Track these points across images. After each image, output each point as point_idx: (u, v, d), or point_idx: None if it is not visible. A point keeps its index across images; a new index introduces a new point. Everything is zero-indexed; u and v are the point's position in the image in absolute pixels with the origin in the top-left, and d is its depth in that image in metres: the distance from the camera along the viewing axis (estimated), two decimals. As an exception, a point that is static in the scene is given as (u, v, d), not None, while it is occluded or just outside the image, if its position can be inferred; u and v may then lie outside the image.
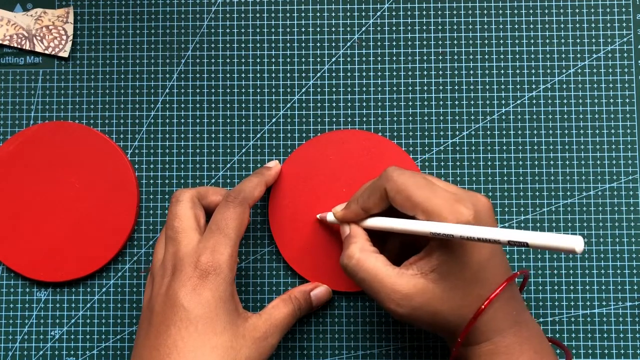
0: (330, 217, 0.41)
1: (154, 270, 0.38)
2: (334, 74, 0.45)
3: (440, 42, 0.45)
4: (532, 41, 0.45)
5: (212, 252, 0.36)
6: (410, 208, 0.34)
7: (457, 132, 0.45)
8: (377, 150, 0.44)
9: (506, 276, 0.35)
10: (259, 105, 0.45)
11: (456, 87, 0.45)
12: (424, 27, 0.45)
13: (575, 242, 0.27)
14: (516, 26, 0.45)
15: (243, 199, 0.38)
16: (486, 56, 0.45)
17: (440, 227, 0.32)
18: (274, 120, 0.45)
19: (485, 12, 0.45)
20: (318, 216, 0.43)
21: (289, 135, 0.45)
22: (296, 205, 0.43)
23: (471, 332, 0.34)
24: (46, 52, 0.45)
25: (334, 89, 0.45)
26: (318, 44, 0.45)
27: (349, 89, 0.45)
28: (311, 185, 0.43)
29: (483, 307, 0.34)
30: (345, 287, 0.43)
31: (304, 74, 0.45)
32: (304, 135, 0.45)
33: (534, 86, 0.45)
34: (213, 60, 0.45)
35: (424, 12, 0.45)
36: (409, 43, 0.45)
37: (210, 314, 0.35)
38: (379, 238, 0.38)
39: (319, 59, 0.45)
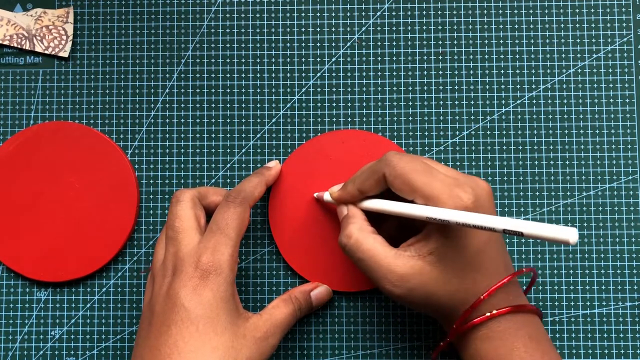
0: (327, 196, 0.41)
1: (155, 271, 0.38)
2: (334, 74, 0.45)
3: (440, 42, 0.45)
4: (532, 41, 0.45)
5: (213, 252, 0.36)
6: (409, 192, 0.34)
7: (457, 132, 0.45)
8: (376, 150, 0.43)
9: (505, 263, 0.35)
10: (259, 105, 0.45)
11: (456, 87, 0.45)
12: (424, 27, 0.45)
13: (569, 234, 0.27)
14: (516, 26, 0.45)
15: (243, 199, 0.38)
16: (486, 56, 0.45)
17: (436, 212, 0.32)
18: (274, 120, 0.45)
19: (485, 12, 0.45)
20: (315, 195, 0.43)
21: (289, 135, 0.45)
22: (296, 205, 0.43)
23: (467, 317, 0.35)
24: (46, 52, 0.45)
25: (334, 89, 0.45)
26: (318, 44, 0.45)
27: (349, 89, 0.45)
28: (311, 185, 0.43)
29: (482, 297, 0.34)
30: (345, 287, 0.43)
31: (304, 74, 0.45)
32: (304, 135, 0.45)
33: (534, 86, 0.45)
34: (213, 60, 0.45)
35: (424, 12, 0.45)
36: (409, 43, 0.45)
37: (211, 314, 0.35)
38: (376, 219, 0.39)
39: (319, 59, 0.45)
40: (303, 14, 0.46)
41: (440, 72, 0.45)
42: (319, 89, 0.45)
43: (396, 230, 0.40)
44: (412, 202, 0.35)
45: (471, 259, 0.34)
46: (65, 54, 0.45)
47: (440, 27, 0.45)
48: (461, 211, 0.32)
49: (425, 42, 0.45)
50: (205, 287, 0.35)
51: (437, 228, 0.34)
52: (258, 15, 0.46)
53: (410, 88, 0.45)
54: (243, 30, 0.46)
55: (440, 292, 0.34)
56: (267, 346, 0.37)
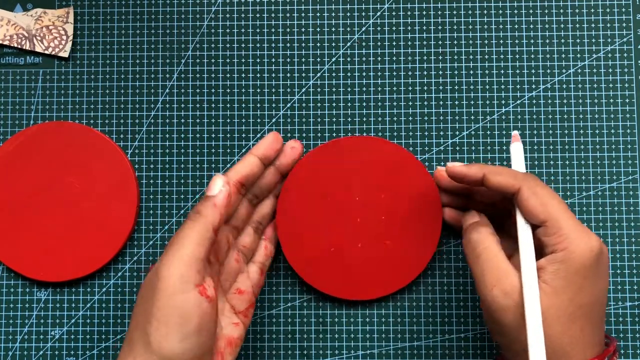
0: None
1: None
2: (334, 74, 0.45)
3: (440, 42, 0.45)
4: (532, 41, 0.45)
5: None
6: (541, 213, 0.34)
7: (457, 132, 0.45)
8: (394, 161, 0.42)
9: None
10: (259, 105, 0.45)
11: (456, 87, 0.45)
12: (424, 27, 0.45)
13: None
14: (516, 26, 0.45)
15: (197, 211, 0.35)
16: (486, 56, 0.45)
17: None
18: (274, 120, 0.45)
19: (485, 12, 0.45)
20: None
21: (289, 135, 0.45)
22: (305, 208, 0.42)
23: None
24: (46, 52, 0.45)
25: (334, 89, 0.45)
26: (318, 44, 0.45)
27: (349, 89, 0.45)
28: (324, 189, 0.42)
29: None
30: (348, 295, 0.42)
31: (304, 74, 0.45)
32: (304, 135, 0.45)
33: (534, 86, 0.45)
34: (213, 60, 0.45)
35: (424, 12, 0.45)
36: (409, 43, 0.45)
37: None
38: None
39: (319, 59, 0.45)
40: (303, 14, 0.46)
41: (440, 72, 0.45)
42: (319, 89, 0.45)
43: None
44: (534, 228, 0.35)
45: (588, 303, 0.34)
46: (65, 54, 0.45)
47: (440, 27, 0.45)
48: None
49: (425, 42, 0.45)
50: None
51: (558, 258, 0.34)
52: (258, 15, 0.46)
53: (410, 88, 0.45)
54: (243, 30, 0.46)
55: (545, 325, 0.33)
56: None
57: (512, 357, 0.36)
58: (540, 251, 0.35)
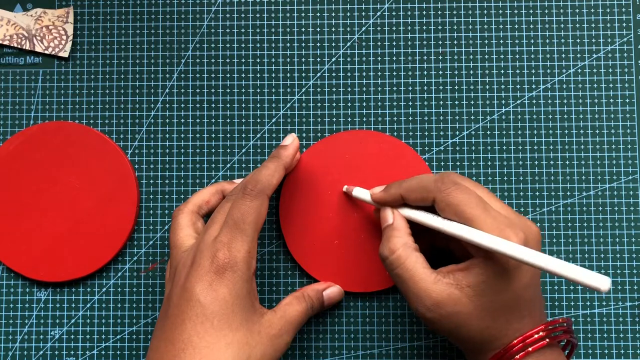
0: (363, 194, 0.40)
1: (176, 259, 0.38)
2: (334, 74, 0.45)
3: (440, 42, 0.45)
4: (532, 41, 0.45)
5: (229, 249, 0.35)
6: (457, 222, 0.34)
7: (457, 132, 0.45)
8: (393, 154, 0.43)
9: (540, 307, 0.36)
10: (259, 105, 0.45)
11: (456, 87, 0.45)
12: (424, 27, 0.45)
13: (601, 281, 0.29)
14: (516, 26, 0.45)
15: (260, 191, 0.37)
16: (486, 56, 0.45)
17: (496, 242, 0.32)
18: (274, 120, 0.45)
19: (485, 12, 0.45)
20: (345, 189, 0.42)
21: (289, 135, 0.45)
22: (308, 201, 0.43)
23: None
24: (46, 52, 0.45)
25: (334, 89, 0.45)
26: (318, 44, 0.45)
27: (349, 89, 0.45)
28: (325, 182, 0.43)
29: (516, 342, 0.34)
30: (354, 288, 0.43)
31: (304, 74, 0.45)
32: (304, 135, 0.45)
33: (534, 86, 0.45)
34: (213, 60, 0.45)
35: (424, 12, 0.45)
36: (409, 43, 0.45)
37: (226, 310, 0.35)
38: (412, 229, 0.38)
39: (319, 59, 0.45)
40: (303, 14, 0.46)
41: (440, 72, 0.45)
42: (319, 89, 0.45)
43: (428, 248, 0.40)
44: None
45: (509, 300, 0.34)
46: (65, 54, 0.45)
47: (440, 27, 0.45)
48: (519, 245, 0.32)
49: (425, 42, 0.45)
50: (221, 284, 0.35)
51: (481, 262, 0.34)
52: (258, 15, 0.46)
53: (410, 88, 0.45)
54: (243, 30, 0.46)
55: (471, 325, 0.34)
56: (281, 343, 0.37)
57: (468, 353, 0.37)
58: (465, 253, 0.35)
